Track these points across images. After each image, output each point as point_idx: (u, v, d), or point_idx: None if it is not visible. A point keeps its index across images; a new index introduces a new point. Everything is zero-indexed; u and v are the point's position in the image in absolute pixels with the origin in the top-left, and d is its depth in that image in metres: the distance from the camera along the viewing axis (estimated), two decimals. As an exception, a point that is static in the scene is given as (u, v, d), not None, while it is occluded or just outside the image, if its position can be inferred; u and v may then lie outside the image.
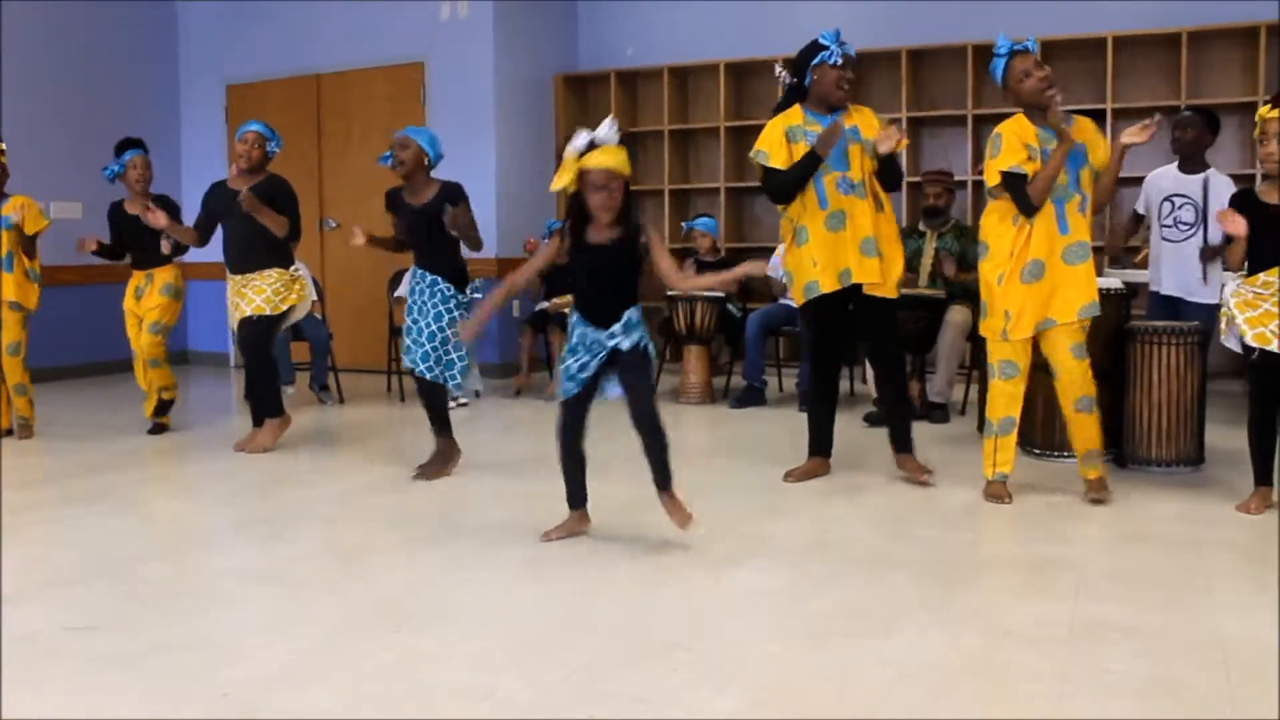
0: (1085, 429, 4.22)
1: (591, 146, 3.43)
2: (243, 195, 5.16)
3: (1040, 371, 4.67)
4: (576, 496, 3.74)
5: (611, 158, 3.42)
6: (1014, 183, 4.10)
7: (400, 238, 4.96)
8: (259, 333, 5.37)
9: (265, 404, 5.47)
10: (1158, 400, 4.76)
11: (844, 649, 2.76)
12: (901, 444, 4.63)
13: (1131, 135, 4.03)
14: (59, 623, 3.00)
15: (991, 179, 4.16)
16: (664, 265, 3.67)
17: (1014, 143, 4.11)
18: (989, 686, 2.54)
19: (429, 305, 4.73)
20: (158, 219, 5.37)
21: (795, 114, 4.47)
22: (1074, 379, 4.17)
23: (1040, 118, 4.12)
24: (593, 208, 3.50)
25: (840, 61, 4.37)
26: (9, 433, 5.89)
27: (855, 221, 4.41)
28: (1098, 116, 4.26)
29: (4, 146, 5.79)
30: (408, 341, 4.77)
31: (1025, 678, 2.57)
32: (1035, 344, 4.24)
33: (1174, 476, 4.70)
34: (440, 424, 4.85)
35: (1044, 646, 2.75)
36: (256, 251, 5.33)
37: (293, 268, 5.48)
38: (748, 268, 3.67)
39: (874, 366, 4.83)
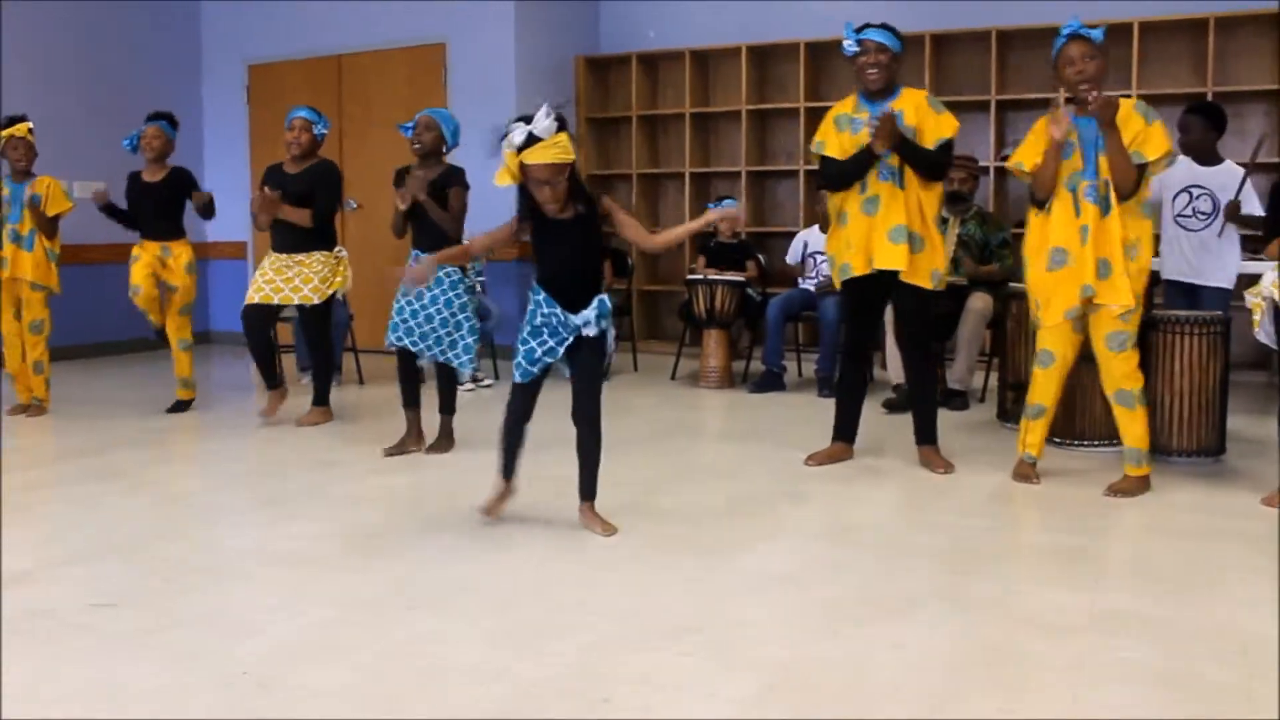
0: (1121, 423, 4.16)
1: (531, 140, 3.28)
2: (261, 193, 5.32)
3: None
4: (509, 468, 3.71)
5: (550, 152, 3.27)
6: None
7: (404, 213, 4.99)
8: (315, 321, 5.58)
9: (317, 392, 5.66)
10: (1179, 390, 4.72)
11: (858, 634, 2.75)
12: (924, 435, 4.62)
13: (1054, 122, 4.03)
14: (79, 599, 3.02)
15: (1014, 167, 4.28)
16: (630, 230, 3.56)
17: (1034, 140, 4.17)
18: (1004, 674, 2.52)
19: (435, 290, 4.79)
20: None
21: (848, 102, 4.54)
22: (1108, 369, 4.12)
23: (1076, 109, 4.08)
24: (539, 201, 3.40)
25: (856, 50, 4.40)
26: (28, 408, 5.93)
27: (887, 208, 4.39)
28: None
29: (31, 125, 5.82)
30: (397, 320, 4.82)
31: (1041, 666, 2.56)
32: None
33: (1195, 467, 4.66)
34: (447, 405, 5.01)
35: (1061, 635, 2.74)
36: (301, 233, 5.45)
37: (336, 249, 5.61)
38: (718, 214, 3.66)
39: (902, 354, 4.80)
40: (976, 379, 6.35)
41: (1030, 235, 4.23)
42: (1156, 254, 5.77)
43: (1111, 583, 3.18)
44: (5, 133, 5.76)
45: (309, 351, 5.69)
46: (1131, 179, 4.00)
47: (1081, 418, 4.92)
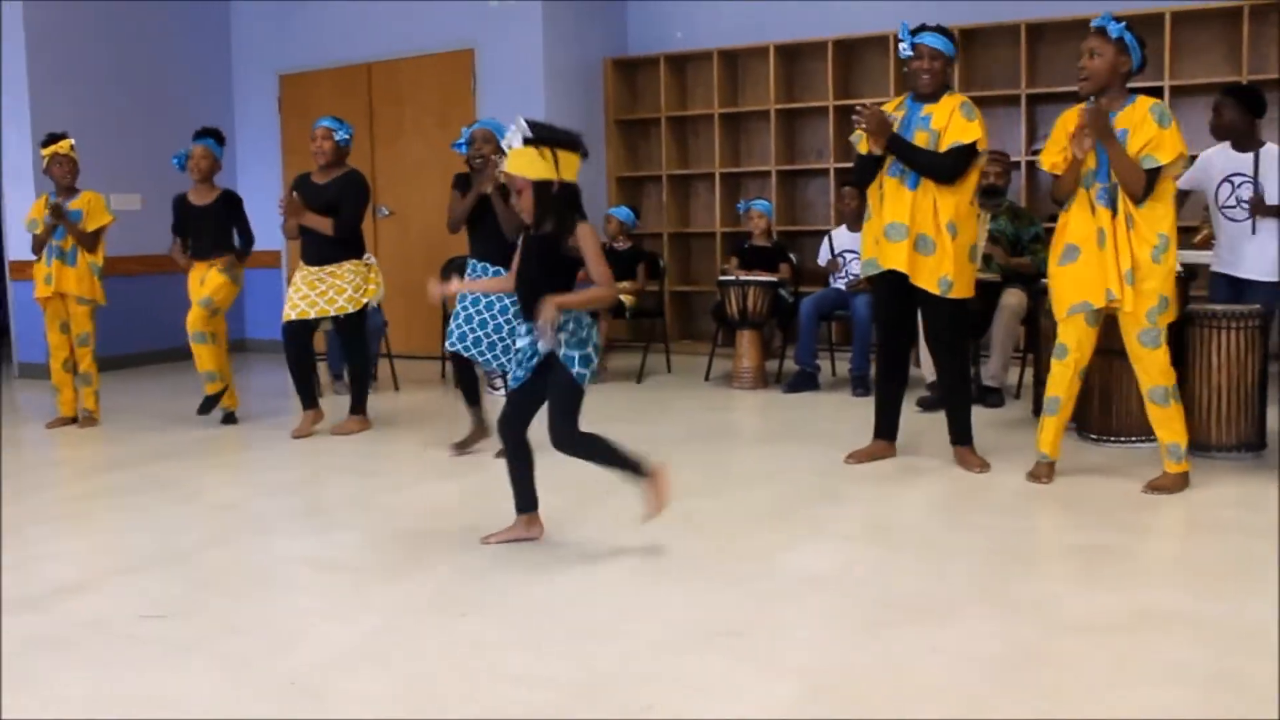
0: (1156, 420, 4.16)
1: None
2: (283, 198, 5.37)
3: (1096, 356, 4.63)
4: (519, 499, 3.60)
5: (508, 162, 3.36)
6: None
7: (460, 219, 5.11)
8: (352, 330, 5.66)
9: (355, 400, 5.71)
10: (1218, 384, 4.69)
11: (898, 637, 2.76)
12: (959, 435, 4.61)
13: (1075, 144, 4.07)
14: (130, 609, 3.08)
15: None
16: (589, 262, 3.39)
17: (1058, 136, 4.20)
18: (1045, 676, 2.53)
19: (491, 297, 4.83)
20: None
21: (895, 101, 4.56)
22: (1143, 367, 4.12)
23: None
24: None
25: (911, 54, 4.41)
26: (73, 421, 6.02)
27: (888, 205, 4.42)
28: (1154, 95, 4.18)
29: (73, 141, 5.91)
30: (453, 325, 4.89)
31: (1082, 667, 2.56)
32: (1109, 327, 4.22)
33: (1235, 462, 4.63)
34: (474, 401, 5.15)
35: (1101, 636, 2.74)
36: (331, 244, 5.48)
37: (365, 256, 5.66)
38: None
39: (933, 356, 4.80)
40: (1011, 375, 6.32)
41: (1056, 230, 4.26)
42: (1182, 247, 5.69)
43: (1152, 581, 3.17)
44: (48, 150, 5.85)
45: (346, 360, 5.72)
46: (1138, 184, 3.99)
47: (1117, 414, 4.90)
